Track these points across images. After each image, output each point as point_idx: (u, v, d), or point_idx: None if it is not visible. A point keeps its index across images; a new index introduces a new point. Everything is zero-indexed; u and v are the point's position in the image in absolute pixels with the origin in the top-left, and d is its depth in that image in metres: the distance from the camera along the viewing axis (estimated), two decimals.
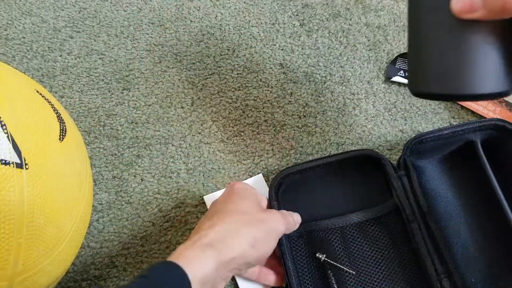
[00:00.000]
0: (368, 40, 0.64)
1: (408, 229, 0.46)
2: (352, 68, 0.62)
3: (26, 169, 0.32)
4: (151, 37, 0.65)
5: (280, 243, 0.45)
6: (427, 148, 0.49)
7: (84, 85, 0.61)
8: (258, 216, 0.43)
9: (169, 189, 0.55)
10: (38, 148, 0.35)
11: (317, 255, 0.47)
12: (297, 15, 0.67)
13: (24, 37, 0.64)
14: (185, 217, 0.53)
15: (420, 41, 0.35)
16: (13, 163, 0.31)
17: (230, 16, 0.66)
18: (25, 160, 0.33)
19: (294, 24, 0.66)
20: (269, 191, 0.49)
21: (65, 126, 0.40)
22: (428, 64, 0.34)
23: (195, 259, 0.36)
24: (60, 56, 0.63)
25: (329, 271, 0.46)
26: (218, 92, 0.61)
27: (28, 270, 0.34)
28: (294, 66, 0.62)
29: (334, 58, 0.63)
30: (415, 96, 0.38)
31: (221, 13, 0.67)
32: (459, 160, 0.49)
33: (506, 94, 0.34)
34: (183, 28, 0.65)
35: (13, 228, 0.31)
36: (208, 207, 0.51)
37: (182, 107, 0.60)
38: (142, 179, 0.55)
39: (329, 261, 0.46)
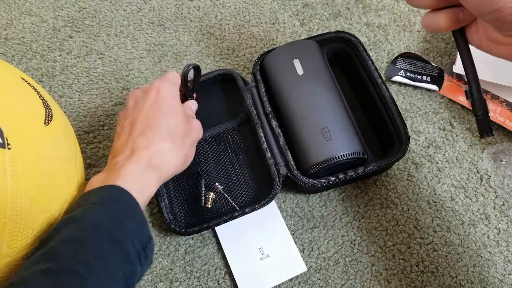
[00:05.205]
0: (369, 40, 0.64)
1: (254, 130, 0.53)
2: None
3: (8, 148, 0.33)
4: (150, 36, 0.64)
5: None
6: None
7: (83, 84, 0.61)
8: (186, 130, 0.46)
9: None
10: (21, 130, 0.35)
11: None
12: (297, 14, 0.66)
13: (23, 37, 0.64)
14: None
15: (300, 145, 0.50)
16: None
17: (230, 16, 0.66)
18: (7, 140, 0.33)
19: (294, 24, 0.66)
20: None
21: (51, 111, 0.41)
22: (306, 152, 0.50)
23: (140, 183, 0.39)
24: (60, 55, 0.63)
25: (202, 180, 0.53)
26: None
27: (15, 253, 0.34)
28: None
29: None
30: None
31: (221, 13, 0.67)
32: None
33: (360, 154, 0.49)
34: (183, 28, 0.65)
35: None
36: None
37: None
38: None
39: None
